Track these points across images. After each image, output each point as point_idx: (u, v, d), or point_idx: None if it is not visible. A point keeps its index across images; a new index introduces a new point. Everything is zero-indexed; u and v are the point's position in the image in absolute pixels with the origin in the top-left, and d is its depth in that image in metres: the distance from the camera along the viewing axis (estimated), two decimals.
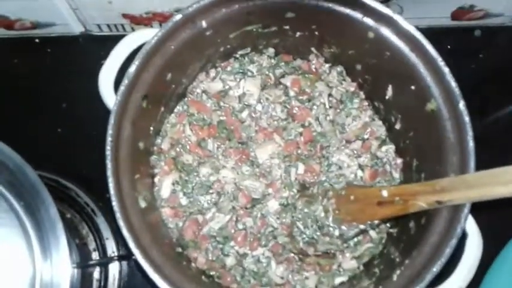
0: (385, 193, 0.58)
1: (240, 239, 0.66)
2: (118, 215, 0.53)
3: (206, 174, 0.67)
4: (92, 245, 0.74)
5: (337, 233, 0.63)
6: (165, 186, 0.67)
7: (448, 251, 0.52)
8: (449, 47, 0.83)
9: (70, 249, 0.66)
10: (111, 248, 0.74)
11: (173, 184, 0.67)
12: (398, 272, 0.55)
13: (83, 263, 0.70)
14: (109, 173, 0.54)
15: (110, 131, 0.54)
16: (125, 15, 0.81)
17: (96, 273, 0.73)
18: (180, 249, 0.65)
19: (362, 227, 0.62)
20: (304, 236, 0.65)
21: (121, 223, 0.53)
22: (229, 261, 0.65)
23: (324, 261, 0.66)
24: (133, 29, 0.85)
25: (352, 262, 0.66)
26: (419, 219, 0.58)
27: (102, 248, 0.74)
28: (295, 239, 0.66)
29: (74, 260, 0.69)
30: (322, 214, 0.64)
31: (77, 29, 0.85)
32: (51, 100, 0.82)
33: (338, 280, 0.65)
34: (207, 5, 0.59)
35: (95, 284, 0.72)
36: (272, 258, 0.66)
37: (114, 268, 0.74)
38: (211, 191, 0.67)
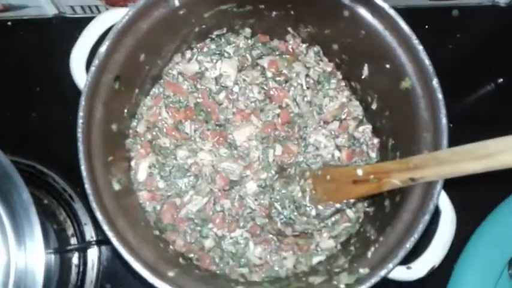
0: (360, 172, 0.58)
1: (218, 221, 0.66)
2: (91, 198, 0.52)
3: (183, 157, 0.67)
4: (70, 230, 0.73)
5: (313, 212, 0.63)
6: (142, 169, 0.66)
7: (420, 227, 0.52)
8: (427, 27, 0.82)
9: (47, 235, 0.66)
10: (90, 233, 0.74)
11: (150, 167, 0.66)
12: (372, 249, 0.56)
13: (61, 249, 0.70)
14: (81, 155, 0.53)
15: (80, 113, 0.53)
16: None
17: (75, 259, 0.72)
18: (157, 232, 0.64)
19: (338, 206, 0.62)
20: (282, 216, 0.65)
21: (94, 205, 0.52)
22: (208, 243, 0.65)
23: (302, 241, 0.67)
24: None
25: (329, 242, 0.66)
26: (394, 197, 0.59)
27: (80, 234, 0.73)
28: (273, 220, 0.66)
29: (52, 245, 0.69)
30: (300, 194, 0.64)
31: (50, 11, 0.83)
32: (25, 84, 0.80)
33: (316, 260, 0.66)
34: None
35: (73, 269, 0.72)
36: (250, 239, 0.66)
37: (93, 253, 0.73)
38: (188, 174, 0.66)
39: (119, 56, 0.58)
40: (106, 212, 0.54)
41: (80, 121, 0.53)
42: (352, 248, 0.62)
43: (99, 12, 0.82)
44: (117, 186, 0.58)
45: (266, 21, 0.69)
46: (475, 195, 0.71)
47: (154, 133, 0.68)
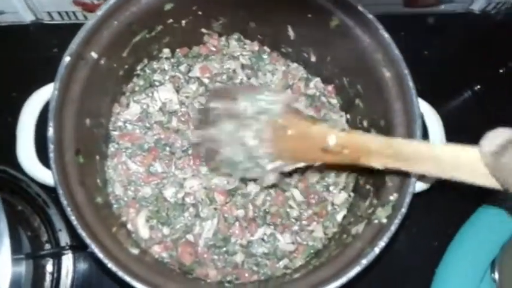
0: (332, 140, 0.49)
1: (237, 231, 0.65)
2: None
3: (172, 195, 0.65)
4: (44, 237, 0.70)
5: (269, 167, 0.57)
6: (141, 227, 0.63)
7: (418, 134, 0.54)
8: (402, 33, 0.78)
9: (20, 241, 0.63)
10: (64, 239, 0.71)
11: (147, 221, 0.64)
12: (388, 177, 0.56)
13: (33, 254, 0.66)
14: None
15: (64, 201, 0.50)
16: (76, 2, 0.77)
17: (49, 266, 0.69)
18: (189, 276, 0.62)
19: (301, 165, 0.56)
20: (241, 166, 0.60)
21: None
22: (239, 257, 0.64)
23: (317, 208, 0.67)
24: (85, 17, 0.81)
25: (341, 195, 0.68)
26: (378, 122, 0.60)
27: (54, 240, 0.70)
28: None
29: (24, 251, 0.66)
30: (251, 142, 0.57)
31: (27, 17, 0.81)
32: (1, 90, 0.77)
33: (339, 216, 0.67)
34: (88, 36, 0.55)
35: (48, 276, 0.69)
36: (275, 231, 0.65)
37: (67, 260, 0.71)
38: (186, 207, 0.65)
39: (68, 130, 0.54)
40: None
41: (68, 209, 0.50)
42: (368, 186, 0.62)
43: (77, 18, 0.81)
44: (135, 251, 0.56)
45: (179, 33, 0.68)
46: (455, 198, 0.71)
47: (132, 188, 0.65)
